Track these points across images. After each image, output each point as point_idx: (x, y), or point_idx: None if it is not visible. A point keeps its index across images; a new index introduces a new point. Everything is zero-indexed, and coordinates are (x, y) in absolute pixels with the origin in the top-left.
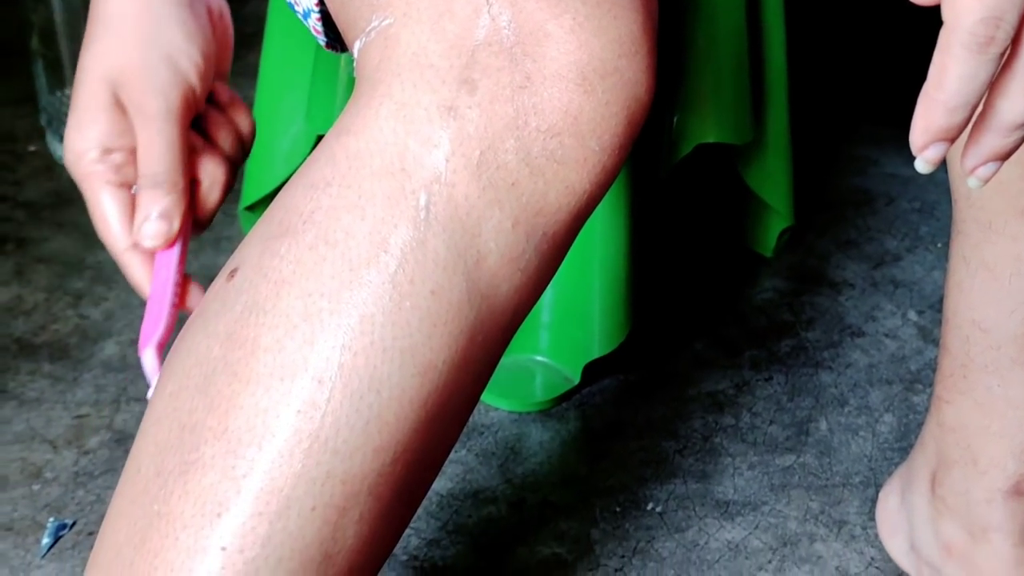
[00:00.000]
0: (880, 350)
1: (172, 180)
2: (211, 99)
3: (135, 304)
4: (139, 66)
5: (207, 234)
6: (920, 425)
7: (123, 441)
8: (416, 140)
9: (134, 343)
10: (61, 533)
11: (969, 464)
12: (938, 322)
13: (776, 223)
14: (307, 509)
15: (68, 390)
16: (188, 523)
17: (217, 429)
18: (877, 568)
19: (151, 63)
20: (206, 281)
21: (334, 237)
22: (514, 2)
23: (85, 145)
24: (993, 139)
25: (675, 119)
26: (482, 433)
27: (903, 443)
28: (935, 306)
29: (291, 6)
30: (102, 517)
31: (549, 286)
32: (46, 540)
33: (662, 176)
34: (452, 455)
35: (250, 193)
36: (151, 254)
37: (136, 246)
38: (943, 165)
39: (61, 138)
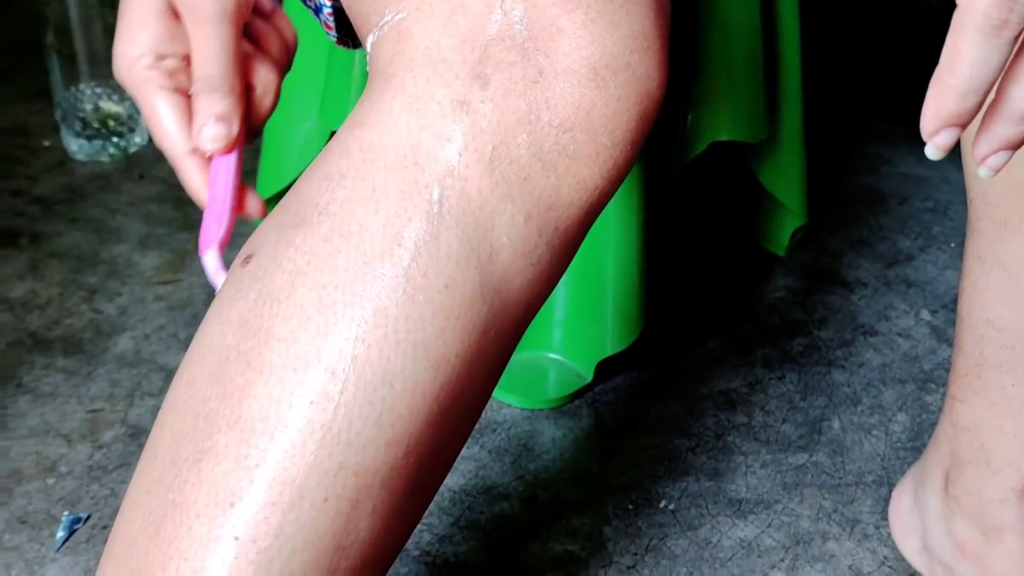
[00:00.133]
0: (893, 349)
1: (229, 84)
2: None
3: (149, 299)
4: None
5: None
6: (933, 425)
7: (137, 436)
8: (429, 134)
9: (148, 337)
10: (75, 527)
11: (982, 464)
12: (951, 322)
13: (789, 222)
14: (319, 500)
15: (82, 384)
16: (202, 512)
17: (230, 418)
18: (890, 567)
19: None
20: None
21: (348, 230)
22: None
23: (137, 51)
24: (1005, 127)
25: (689, 117)
26: (495, 430)
27: (916, 442)
28: (948, 306)
29: (304, 2)
30: (116, 511)
31: (562, 283)
32: (60, 533)
33: (675, 174)
34: (464, 451)
35: (264, 188)
36: (208, 160)
37: (195, 152)
38: (958, 164)
39: (76, 133)
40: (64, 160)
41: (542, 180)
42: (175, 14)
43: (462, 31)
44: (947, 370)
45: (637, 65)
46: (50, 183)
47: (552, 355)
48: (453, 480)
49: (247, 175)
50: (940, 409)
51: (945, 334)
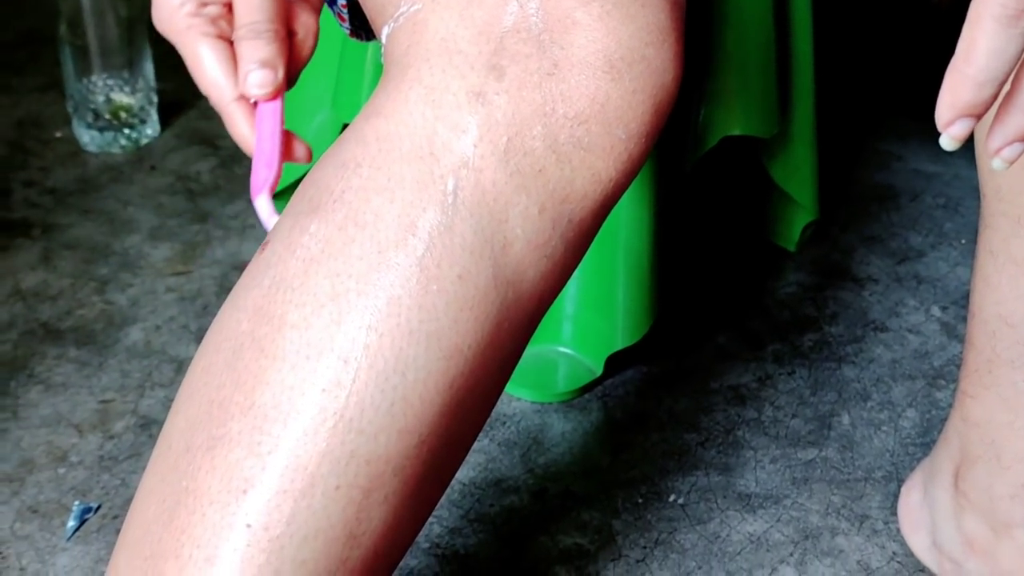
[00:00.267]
0: (903, 345)
1: (272, 29)
2: None
3: (160, 291)
4: None
5: (232, 222)
6: (943, 421)
7: (147, 426)
8: (445, 125)
9: (159, 329)
10: (86, 516)
11: (993, 460)
12: (962, 318)
13: (800, 217)
14: (331, 488)
15: (93, 375)
16: (215, 499)
17: (244, 404)
18: (899, 563)
19: None
20: (232, 272)
21: (363, 219)
22: None
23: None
24: (1020, 118)
25: (701, 112)
26: (504, 423)
27: (925, 439)
28: (959, 302)
29: None
30: (127, 501)
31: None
32: (71, 523)
33: (687, 169)
34: (474, 444)
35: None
36: (253, 107)
37: (240, 99)
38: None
39: (88, 125)
40: (76, 151)
41: (557, 172)
42: None
43: (478, 23)
44: (957, 366)
45: (652, 58)
46: (62, 174)
47: (562, 349)
48: (463, 473)
49: None
50: (950, 405)
51: (955, 330)
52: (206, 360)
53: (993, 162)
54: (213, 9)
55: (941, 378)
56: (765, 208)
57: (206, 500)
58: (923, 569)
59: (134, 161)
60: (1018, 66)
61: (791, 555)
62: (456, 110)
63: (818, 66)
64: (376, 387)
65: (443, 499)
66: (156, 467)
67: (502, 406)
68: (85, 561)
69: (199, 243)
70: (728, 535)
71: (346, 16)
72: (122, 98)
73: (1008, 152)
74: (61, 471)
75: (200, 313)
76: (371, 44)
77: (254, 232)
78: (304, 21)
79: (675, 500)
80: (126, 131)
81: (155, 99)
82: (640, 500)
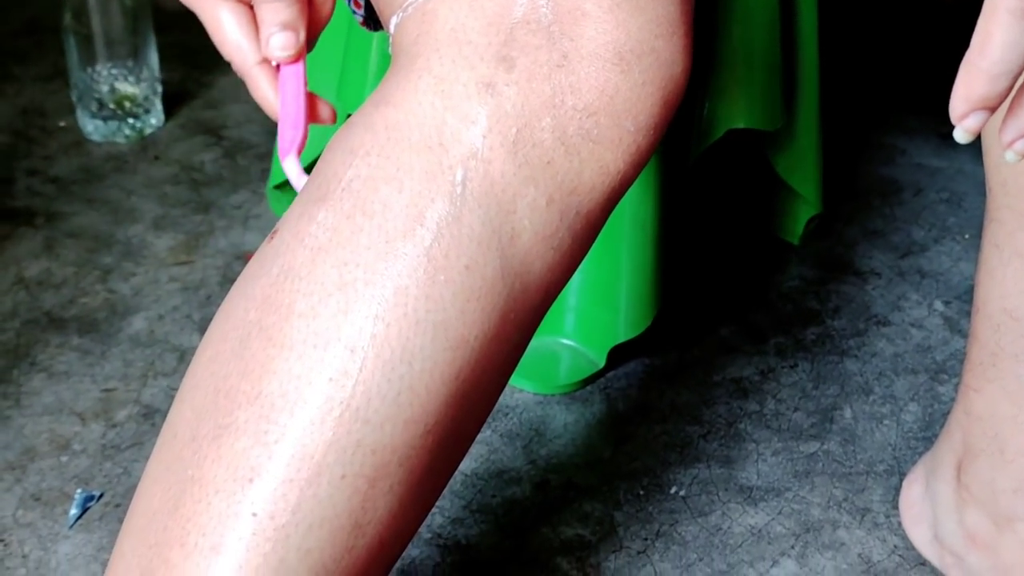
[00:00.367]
0: (906, 339)
1: None
2: None
3: (163, 280)
4: None
5: (235, 212)
6: (945, 415)
7: (150, 415)
8: (454, 116)
9: (162, 318)
10: (89, 504)
11: (996, 453)
12: (964, 313)
13: (804, 211)
14: (337, 477)
15: (96, 364)
16: (220, 488)
17: (251, 393)
18: (900, 556)
19: None
20: (235, 262)
21: (371, 208)
22: None
23: None
24: None
25: (706, 105)
26: (507, 414)
27: (927, 432)
28: (962, 297)
29: None
30: (129, 489)
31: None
32: (74, 511)
33: (691, 162)
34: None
35: (279, 173)
36: (275, 70)
37: (263, 63)
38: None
39: (91, 114)
40: (80, 141)
41: (565, 164)
42: None
43: (488, 13)
44: (960, 361)
45: (662, 50)
46: (66, 164)
47: (565, 341)
48: (465, 463)
49: (263, 158)
50: (952, 400)
51: (958, 325)
52: (213, 349)
53: (1006, 154)
54: None
55: (943, 372)
56: (769, 202)
57: (212, 489)
58: (924, 562)
59: (138, 151)
60: None
61: (792, 548)
62: (466, 101)
63: (823, 60)
64: (383, 376)
65: (445, 489)
66: (161, 456)
67: (504, 397)
68: (87, 549)
69: (202, 233)
70: (729, 527)
71: (362, 2)
72: (126, 87)
73: (1021, 144)
74: (64, 459)
75: (203, 303)
76: (376, 35)
77: (257, 222)
78: None
79: (677, 492)
80: (130, 120)
81: (159, 89)
82: (642, 492)
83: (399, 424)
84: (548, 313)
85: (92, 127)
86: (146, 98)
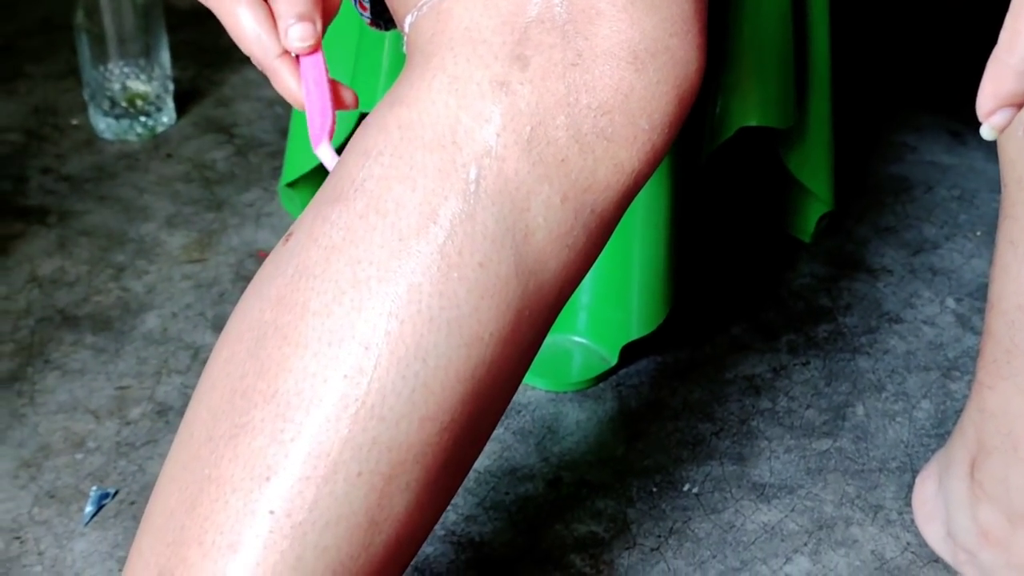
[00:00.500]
0: (918, 337)
1: None
2: None
3: (176, 278)
4: None
5: (247, 210)
6: (957, 412)
7: (164, 413)
8: (468, 114)
9: (175, 316)
10: (104, 502)
11: (1009, 450)
12: (976, 310)
13: (815, 208)
14: (353, 475)
15: (110, 361)
16: (237, 486)
17: (267, 392)
18: (913, 553)
19: None
20: (248, 259)
21: (385, 207)
22: None
23: None
24: None
25: (718, 102)
26: (519, 412)
27: (940, 430)
28: (973, 294)
29: None
30: (144, 487)
31: None
32: (89, 508)
33: (703, 159)
34: None
35: (291, 171)
36: (296, 62)
37: (284, 55)
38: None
39: (103, 112)
40: (92, 139)
41: (579, 162)
42: None
43: (502, 12)
44: (972, 358)
45: (676, 48)
46: (78, 162)
47: (577, 338)
48: (478, 461)
49: (275, 156)
50: (964, 397)
51: (970, 322)
52: (228, 350)
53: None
54: None
55: (956, 370)
56: (780, 199)
57: (229, 488)
58: (937, 560)
59: (150, 149)
60: None
61: (805, 545)
62: (480, 99)
63: (833, 58)
64: (397, 374)
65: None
66: (177, 455)
67: (517, 395)
68: (103, 546)
69: (215, 231)
70: (742, 524)
71: (367, 5)
72: (138, 86)
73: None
74: (78, 457)
75: (216, 301)
76: (388, 35)
77: (269, 220)
78: None
79: (690, 489)
80: (142, 119)
81: (171, 87)
82: (655, 489)
83: (415, 421)
84: (561, 311)
85: (104, 125)
86: (158, 96)
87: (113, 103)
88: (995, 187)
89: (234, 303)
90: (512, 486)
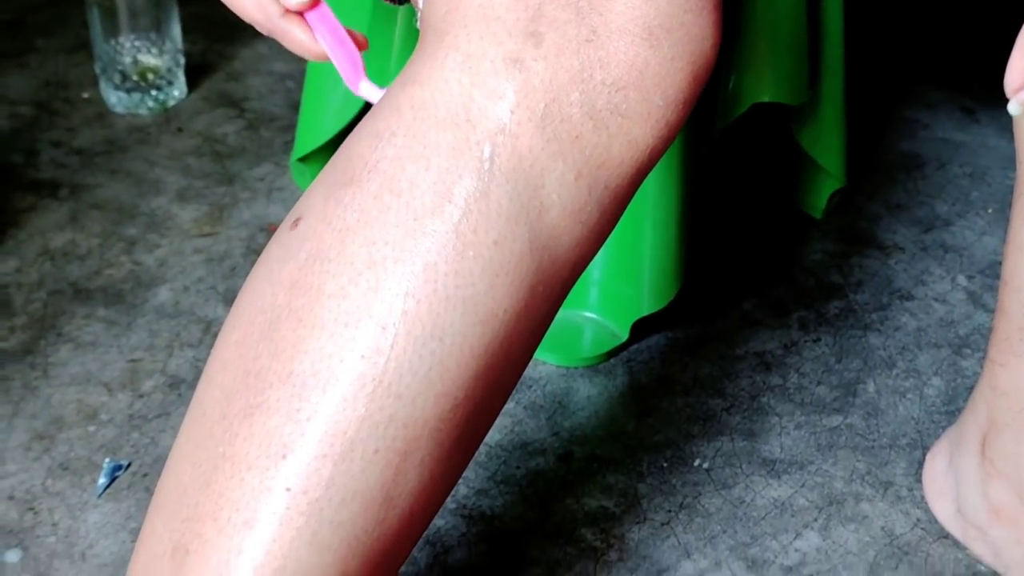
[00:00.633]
0: (929, 314)
1: None
2: None
3: (188, 252)
4: None
5: (258, 184)
6: (968, 389)
7: (176, 386)
8: (481, 92)
9: (187, 289)
10: (117, 474)
11: (1021, 428)
12: (988, 287)
13: (827, 185)
14: (370, 452)
15: (122, 334)
16: (253, 464)
17: (282, 373)
18: (923, 529)
19: None
20: (259, 233)
21: (399, 187)
22: None
23: None
24: None
25: (731, 78)
26: (530, 387)
27: (950, 407)
28: (985, 271)
29: None
30: (156, 459)
31: None
32: (102, 480)
33: (716, 135)
34: None
35: (302, 145)
36: (301, 18)
37: (286, 14)
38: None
39: (115, 86)
40: (103, 112)
41: (593, 138)
42: None
43: None
44: (983, 335)
45: (691, 25)
46: (89, 135)
47: (588, 314)
48: (489, 435)
49: (286, 130)
50: (975, 374)
51: (981, 299)
52: (240, 332)
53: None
54: None
55: (967, 347)
56: (792, 175)
57: (244, 465)
58: (947, 536)
59: (161, 122)
60: None
61: (815, 520)
62: (493, 76)
63: (846, 35)
64: (414, 352)
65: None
66: (190, 433)
67: (528, 370)
68: (116, 518)
69: (226, 205)
70: (753, 500)
71: None
72: (149, 59)
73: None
74: (91, 429)
75: (228, 274)
76: (401, 9)
77: (281, 194)
78: None
79: (700, 464)
80: (153, 92)
81: (182, 61)
82: (665, 464)
83: (430, 398)
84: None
85: (115, 99)
86: (169, 70)
87: (124, 77)
88: (1007, 164)
89: (245, 277)
90: (523, 460)
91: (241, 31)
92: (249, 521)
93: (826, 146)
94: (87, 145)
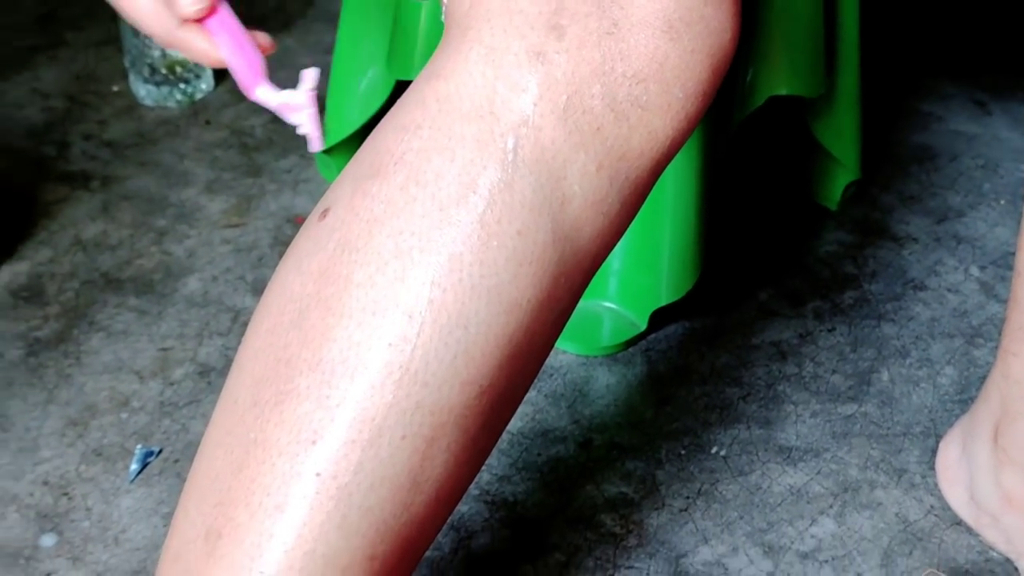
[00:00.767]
0: (942, 304)
1: None
2: None
3: (216, 242)
4: None
5: (285, 175)
6: (981, 378)
7: (206, 373)
8: (505, 84)
9: (216, 279)
10: (148, 460)
11: None
12: (1000, 278)
13: (842, 177)
14: (398, 438)
15: (153, 323)
16: (284, 450)
17: (311, 361)
18: (936, 516)
19: None
20: (285, 224)
21: (424, 178)
22: None
23: None
24: None
25: (749, 71)
26: (551, 375)
27: (963, 396)
28: (997, 262)
29: None
30: (187, 445)
31: None
32: (134, 466)
33: (733, 128)
34: None
35: (328, 136)
36: (202, 27)
37: (184, 24)
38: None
39: (144, 79)
40: (132, 105)
41: (614, 130)
42: None
43: None
44: (995, 325)
45: (711, 18)
46: (119, 128)
47: (607, 304)
48: (511, 423)
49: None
50: (988, 363)
51: (994, 290)
52: (270, 321)
53: None
54: None
55: (979, 336)
56: (807, 167)
57: (275, 451)
58: (959, 522)
59: (189, 115)
60: None
61: (831, 507)
62: (516, 69)
63: (861, 28)
64: (440, 341)
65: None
66: (221, 421)
67: (549, 359)
68: (147, 503)
69: (253, 196)
70: (769, 487)
71: None
72: (177, 54)
73: None
74: (123, 416)
75: (255, 264)
76: (425, 4)
77: (307, 186)
78: None
79: (717, 452)
80: (181, 86)
81: None
82: (683, 451)
83: (456, 386)
84: None
85: (144, 92)
86: (196, 63)
87: (153, 70)
88: (1019, 156)
89: (272, 267)
90: (544, 447)
91: (267, 27)
92: (280, 505)
93: (841, 139)
94: (117, 137)
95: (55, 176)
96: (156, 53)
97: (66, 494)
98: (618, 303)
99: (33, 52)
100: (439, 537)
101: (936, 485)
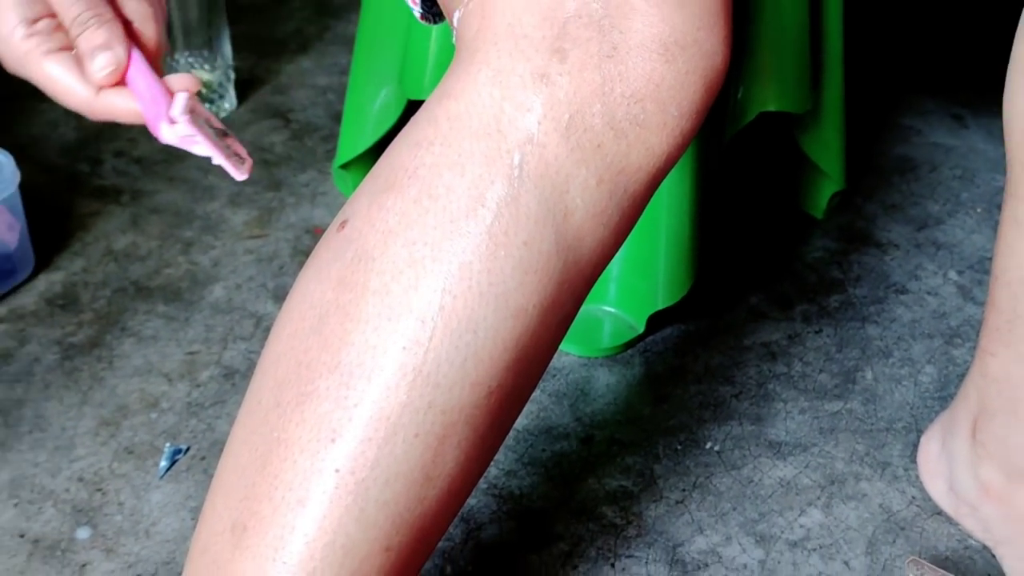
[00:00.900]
0: (922, 306)
1: (97, 13)
2: None
3: (239, 252)
4: None
5: (303, 189)
6: (959, 376)
7: (230, 376)
8: (511, 104)
9: (239, 287)
10: (176, 457)
11: (1010, 412)
12: (977, 281)
13: (828, 187)
14: (411, 436)
15: (180, 329)
16: (305, 448)
17: (331, 364)
18: (918, 506)
19: None
20: (305, 235)
21: (436, 192)
22: None
23: (8, 27)
24: None
25: (740, 89)
26: (554, 376)
27: (943, 393)
28: (974, 267)
29: None
30: (213, 443)
31: None
32: (163, 463)
33: (726, 142)
34: None
35: (344, 153)
36: (120, 88)
37: (101, 92)
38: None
39: None
40: None
41: (614, 147)
42: None
43: (543, 8)
44: (973, 326)
45: (704, 41)
46: (148, 145)
47: (607, 308)
48: (517, 421)
49: (328, 139)
50: (966, 362)
51: (971, 293)
52: (291, 327)
53: None
54: (43, 24)
55: (958, 337)
56: (795, 178)
57: (297, 449)
58: (940, 512)
59: None
60: None
61: (818, 498)
62: (522, 90)
63: (845, 47)
64: (451, 344)
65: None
66: (246, 421)
67: (553, 360)
68: (176, 498)
69: (274, 208)
70: (760, 479)
71: (418, 0)
72: (202, 74)
73: None
74: (153, 416)
75: (276, 273)
76: (436, 28)
77: (324, 199)
78: (134, 8)
79: (711, 447)
80: (206, 105)
81: (232, 75)
82: (679, 447)
83: (466, 387)
84: None
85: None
86: (220, 84)
87: None
88: (994, 167)
89: (292, 275)
90: (548, 443)
91: (286, 48)
92: (302, 500)
93: (826, 151)
94: (146, 154)
95: (88, 191)
96: None
97: (100, 490)
98: (617, 307)
99: None
100: (450, 528)
101: (918, 477)
